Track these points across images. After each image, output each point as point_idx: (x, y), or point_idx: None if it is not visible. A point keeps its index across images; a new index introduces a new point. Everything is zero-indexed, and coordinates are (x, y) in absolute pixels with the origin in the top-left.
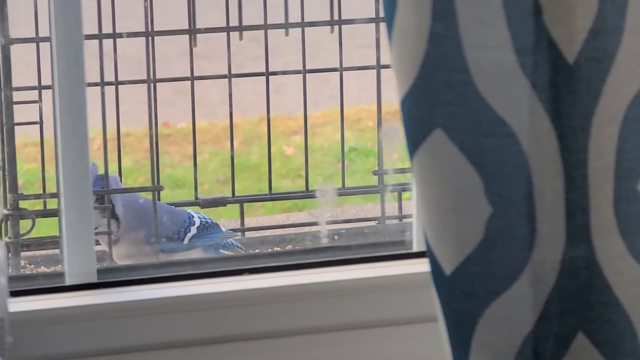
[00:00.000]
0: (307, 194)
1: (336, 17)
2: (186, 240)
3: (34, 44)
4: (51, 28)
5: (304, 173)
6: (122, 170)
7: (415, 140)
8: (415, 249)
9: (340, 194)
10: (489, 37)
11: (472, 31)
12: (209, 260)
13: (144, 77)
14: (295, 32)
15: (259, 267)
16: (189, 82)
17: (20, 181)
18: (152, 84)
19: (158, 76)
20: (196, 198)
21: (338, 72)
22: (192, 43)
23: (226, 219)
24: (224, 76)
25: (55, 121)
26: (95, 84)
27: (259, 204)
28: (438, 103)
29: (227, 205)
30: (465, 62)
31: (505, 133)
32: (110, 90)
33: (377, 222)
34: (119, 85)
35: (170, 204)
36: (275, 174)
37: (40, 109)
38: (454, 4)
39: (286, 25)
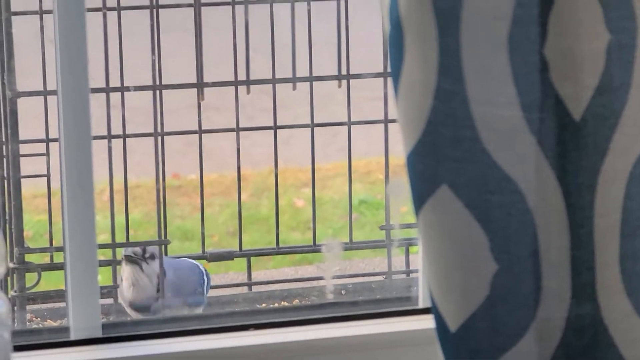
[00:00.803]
0: (315, 248)
1: (344, 72)
2: (207, 293)
3: (42, 97)
4: (58, 81)
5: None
6: (130, 222)
7: (421, 196)
8: (421, 305)
9: (347, 249)
10: (495, 94)
11: (478, 87)
12: (215, 316)
13: (153, 129)
14: (305, 85)
15: (265, 323)
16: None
17: (29, 233)
18: (159, 137)
19: (167, 128)
20: (203, 252)
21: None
22: (200, 97)
23: (235, 271)
24: (232, 129)
25: (61, 174)
26: (103, 137)
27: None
28: (444, 159)
29: (234, 259)
30: (471, 118)
31: (511, 190)
32: (119, 143)
33: (384, 277)
34: (127, 138)
35: (177, 257)
36: (286, 226)
37: (48, 162)
38: (461, 60)
39: (294, 80)
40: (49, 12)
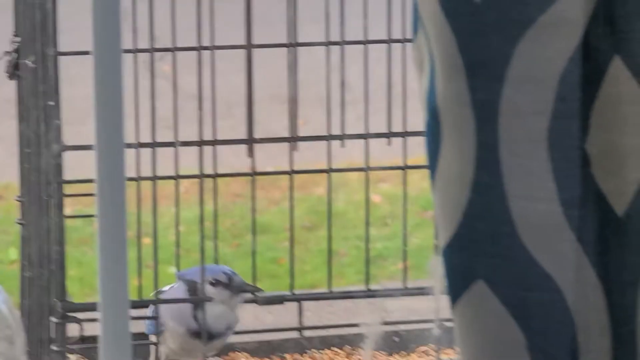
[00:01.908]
0: (368, 293)
1: None
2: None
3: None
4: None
5: (390, 222)
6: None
7: (456, 291)
8: None
9: (402, 294)
10: (534, 189)
11: (517, 182)
12: None
13: None
14: None
15: None
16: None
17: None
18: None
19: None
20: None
21: None
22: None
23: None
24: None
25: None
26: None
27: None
28: (481, 254)
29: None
30: (509, 213)
31: (550, 288)
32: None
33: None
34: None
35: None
36: (361, 221)
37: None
38: (499, 154)
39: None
40: None
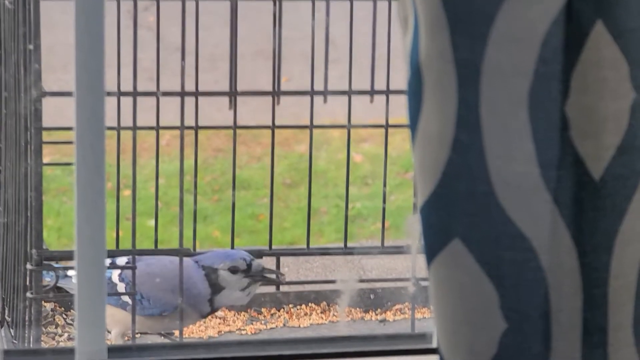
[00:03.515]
0: (346, 250)
1: None
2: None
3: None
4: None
5: (371, 181)
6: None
7: (432, 249)
8: (435, 344)
9: (380, 252)
10: (513, 149)
11: (496, 142)
12: (224, 344)
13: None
14: None
15: (274, 356)
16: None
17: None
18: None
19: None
20: (232, 247)
21: None
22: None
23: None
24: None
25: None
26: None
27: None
28: (458, 213)
29: (264, 257)
30: (487, 172)
31: (524, 248)
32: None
33: (412, 282)
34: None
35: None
36: (341, 180)
37: None
38: (479, 113)
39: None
40: None
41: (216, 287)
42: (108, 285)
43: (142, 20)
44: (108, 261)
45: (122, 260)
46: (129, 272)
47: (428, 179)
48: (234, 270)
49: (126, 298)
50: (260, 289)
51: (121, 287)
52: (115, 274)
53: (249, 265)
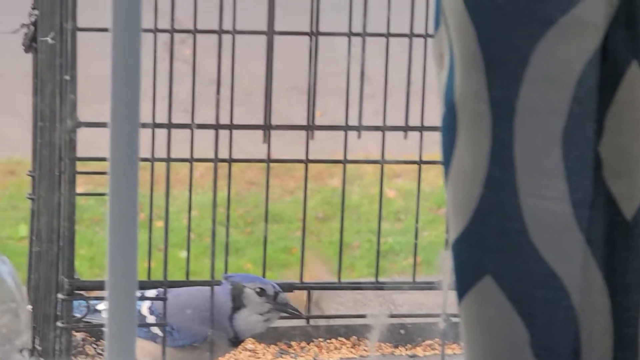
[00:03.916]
0: (377, 285)
1: None
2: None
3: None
4: None
5: (403, 217)
6: (219, 200)
7: (464, 285)
8: None
9: (411, 288)
10: (546, 188)
11: (529, 180)
12: None
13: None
14: None
15: None
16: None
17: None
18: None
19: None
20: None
21: None
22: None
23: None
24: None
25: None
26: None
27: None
28: (490, 250)
29: (294, 291)
30: (520, 210)
31: (556, 286)
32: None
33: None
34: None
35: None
36: (374, 215)
37: None
38: (513, 151)
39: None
40: None
41: (238, 303)
42: (137, 318)
43: (179, 53)
44: (138, 293)
45: (151, 293)
46: (158, 304)
47: (460, 215)
48: (260, 292)
49: (156, 330)
50: (290, 322)
51: (151, 320)
52: (144, 306)
53: (276, 294)
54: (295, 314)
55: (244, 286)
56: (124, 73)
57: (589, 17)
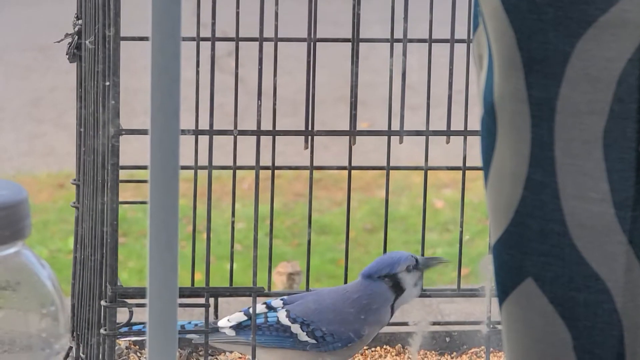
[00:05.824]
0: (422, 293)
1: None
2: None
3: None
4: None
5: (452, 228)
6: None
7: (505, 288)
8: None
9: (454, 295)
10: (587, 189)
11: (570, 181)
12: None
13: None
14: None
15: None
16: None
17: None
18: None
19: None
20: (307, 289)
21: None
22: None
23: None
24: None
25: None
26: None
27: None
28: (531, 252)
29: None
30: (561, 211)
31: (598, 289)
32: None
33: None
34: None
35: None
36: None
37: None
38: (554, 152)
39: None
40: None
41: (398, 290)
42: (274, 328)
43: (225, 64)
44: (262, 306)
45: (277, 303)
46: (297, 311)
47: (501, 217)
48: (409, 269)
49: (304, 337)
50: None
51: (295, 328)
52: (282, 315)
53: (417, 260)
54: (442, 261)
55: (395, 274)
56: (164, 81)
57: (629, 15)
